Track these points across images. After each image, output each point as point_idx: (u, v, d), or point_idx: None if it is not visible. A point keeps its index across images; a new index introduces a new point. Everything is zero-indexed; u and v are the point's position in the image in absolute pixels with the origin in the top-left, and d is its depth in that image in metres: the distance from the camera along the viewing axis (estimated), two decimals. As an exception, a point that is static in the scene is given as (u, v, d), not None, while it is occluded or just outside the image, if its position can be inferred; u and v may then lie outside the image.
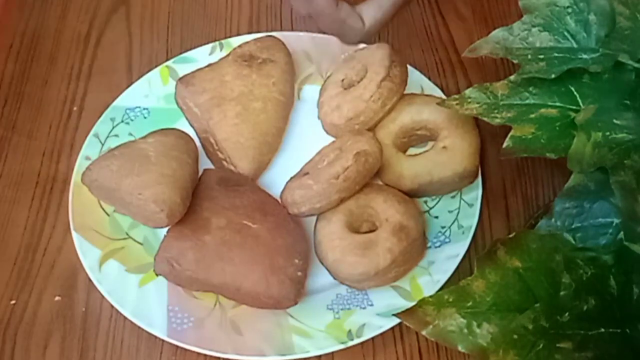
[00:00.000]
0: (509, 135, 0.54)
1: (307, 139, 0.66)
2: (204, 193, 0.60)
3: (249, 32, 0.73)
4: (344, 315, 0.57)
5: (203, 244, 0.56)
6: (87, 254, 0.59)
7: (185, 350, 0.56)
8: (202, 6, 0.79)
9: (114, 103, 0.68)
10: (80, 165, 0.64)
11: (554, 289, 0.46)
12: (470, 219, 0.61)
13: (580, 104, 0.55)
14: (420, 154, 0.63)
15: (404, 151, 0.64)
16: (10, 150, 0.68)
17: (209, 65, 0.68)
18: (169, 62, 0.71)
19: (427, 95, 0.66)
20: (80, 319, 0.59)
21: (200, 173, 0.62)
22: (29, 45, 0.76)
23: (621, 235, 0.48)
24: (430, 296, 0.47)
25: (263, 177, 0.65)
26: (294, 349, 0.55)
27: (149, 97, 0.69)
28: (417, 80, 0.68)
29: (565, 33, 0.58)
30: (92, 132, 0.66)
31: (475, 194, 0.62)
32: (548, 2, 0.58)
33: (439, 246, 0.60)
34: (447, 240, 0.60)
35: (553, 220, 0.52)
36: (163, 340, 0.57)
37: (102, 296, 0.58)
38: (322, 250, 0.58)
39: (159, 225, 0.57)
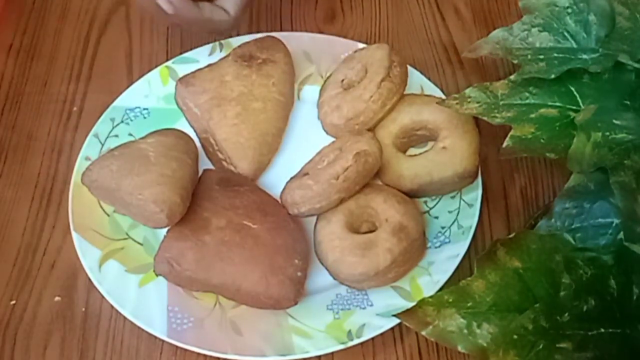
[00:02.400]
0: (509, 135, 0.54)
1: (307, 139, 0.66)
2: (204, 193, 0.60)
3: (249, 32, 0.73)
4: (344, 316, 0.57)
5: (203, 244, 0.56)
6: (87, 254, 0.59)
7: (185, 350, 0.56)
8: (202, 6, 0.79)
9: (114, 103, 0.68)
10: (80, 165, 0.64)
11: (554, 289, 0.46)
12: (470, 219, 0.61)
13: (580, 104, 0.55)
14: (420, 154, 0.63)
15: (404, 151, 0.64)
16: (10, 150, 0.68)
17: (209, 65, 0.68)
18: (168, 63, 0.71)
19: (427, 96, 0.66)
20: (80, 319, 0.59)
21: (200, 173, 0.62)
22: (29, 45, 0.76)
23: (621, 235, 0.48)
24: (430, 296, 0.47)
25: (263, 177, 0.65)
26: (293, 349, 0.55)
27: (149, 98, 0.69)
28: (417, 80, 0.68)
29: (565, 33, 0.58)
30: (92, 133, 0.66)
31: (475, 194, 0.62)
32: (548, 2, 0.58)
33: (439, 246, 0.60)
34: (447, 240, 0.60)
35: (553, 220, 0.52)
36: (163, 341, 0.57)
37: (102, 296, 0.58)
38: (322, 251, 0.58)
39: (158, 225, 0.57)
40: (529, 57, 0.57)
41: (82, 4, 0.79)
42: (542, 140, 0.53)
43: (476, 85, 0.57)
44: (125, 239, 0.61)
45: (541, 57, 0.57)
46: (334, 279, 0.59)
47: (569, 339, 0.45)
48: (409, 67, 0.65)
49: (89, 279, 0.59)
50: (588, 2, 0.58)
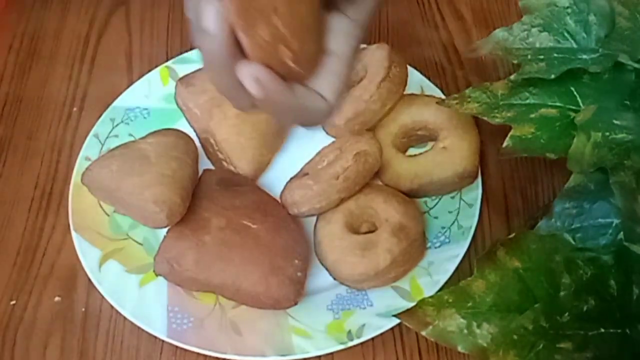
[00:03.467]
0: (509, 135, 0.54)
1: (307, 139, 0.66)
2: (204, 193, 0.60)
3: (249, 33, 0.73)
4: (344, 316, 0.57)
5: (203, 245, 0.56)
6: (87, 254, 0.59)
7: (185, 350, 0.56)
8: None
9: (114, 103, 0.68)
10: (80, 165, 0.64)
11: (554, 290, 0.46)
12: (470, 219, 0.61)
13: (580, 104, 0.55)
14: (420, 154, 0.63)
15: (404, 151, 0.64)
16: (10, 150, 0.68)
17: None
18: (169, 63, 0.71)
19: (427, 96, 0.66)
20: (80, 320, 0.59)
21: (200, 173, 0.62)
22: (29, 45, 0.76)
23: (621, 235, 0.48)
24: (430, 296, 0.47)
25: (263, 177, 0.65)
26: (293, 349, 0.55)
27: (149, 98, 0.69)
28: (417, 81, 0.68)
29: (565, 33, 0.58)
30: (92, 133, 0.66)
31: (475, 194, 0.62)
32: (548, 2, 0.58)
33: (439, 246, 0.60)
34: (447, 240, 0.60)
35: (553, 220, 0.52)
36: (163, 341, 0.57)
37: (102, 296, 0.58)
38: (322, 251, 0.59)
39: (159, 225, 0.57)
40: (529, 57, 0.57)
41: (82, 4, 0.79)
42: (542, 140, 0.53)
43: (476, 85, 0.57)
44: (125, 239, 0.61)
45: (541, 57, 0.57)
46: (334, 279, 0.59)
47: (569, 339, 0.45)
48: (409, 67, 0.65)
49: (89, 279, 0.59)
50: (588, 2, 0.58)
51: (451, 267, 0.58)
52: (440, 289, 0.57)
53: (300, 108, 0.42)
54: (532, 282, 0.47)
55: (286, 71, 0.39)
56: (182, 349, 0.56)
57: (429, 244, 0.60)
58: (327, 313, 0.57)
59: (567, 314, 0.45)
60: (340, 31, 0.42)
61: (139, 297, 0.58)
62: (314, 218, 0.61)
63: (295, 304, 0.56)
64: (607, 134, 0.50)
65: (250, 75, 0.38)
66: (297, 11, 0.37)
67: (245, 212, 0.58)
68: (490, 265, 0.47)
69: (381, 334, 0.56)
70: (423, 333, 0.46)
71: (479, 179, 0.63)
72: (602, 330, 0.46)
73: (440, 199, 0.63)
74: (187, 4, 0.39)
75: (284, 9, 0.37)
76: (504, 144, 0.53)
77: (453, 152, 0.61)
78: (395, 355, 0.57)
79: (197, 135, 0.66)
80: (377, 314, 0.57)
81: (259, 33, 0.37)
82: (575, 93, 0.56)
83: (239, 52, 0.38)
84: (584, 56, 0.56)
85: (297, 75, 0.40)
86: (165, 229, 0.58)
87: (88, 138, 0.66)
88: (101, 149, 0.65)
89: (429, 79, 0.69)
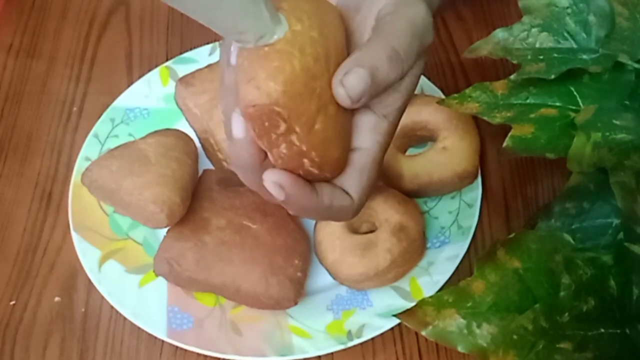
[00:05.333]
0: (508, 135, 0.54)
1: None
2: (204, 193, 0.60)
3: (249, 33, 0.73)
4: (344, 316, 0.57)
5: (203, 245, 0.56)
6: (87, 254, 0.59)
7: (185, 350, 0.56)
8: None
9: (114, 103, 0.68)
10: (80, 165, 0.64)
11: (554, 290, 0.46)
12: (470, 219, 0.61)
13: (580, 104, 0.55)
14: (420, 154, 0.63)
15: (404, 151, 0.64)
16: (10, 150, 0.68)
17: (209, 65, 0.68)
18: (168, 63, 0.71)
19: (427, 96, 0.66)
20: (80, 320, 0.59)
21: (200, 173, 0.62)
22: (29, 45, 0.76)
23: (621, 235, 0.48)
24: (430, 297, 0.47)
25: (263, 178, 0.65)
26: (293, 349, 0.55)
27: (149, 98, 0.69)
28: (417, 81, 0.68)
29: (565, 33, 0.58)
30: (92, 133, 0.66)
31: (474, 194, 0.62)
32: (548, 2, 0.58)
33: (439, 247, 0.60)
34: (446, 240, 0.60)
35: (553, 220, 0.52)
36: (163, 341, 0.57)
37: (102, 297, 0.58)
38: (322, 251, 0.59)
39: (158, 225, 0.57)
40: (529, 57, 0.57)
41: (82, 4, 0.79)
42: (542, 140, 0.53)
43: (476, 85, 0.57)
44: (125, 239, 0.61)
45: (541, 57, 0.57)
46: (334, 279, 0.59)
47: (568, 339, 0.45)
48: (408, 67, 0.65)
49: (89, 279, 0.59)
50: (588, 3, 0.57)
51: (451, 267, 0.58)
52: (440, 289, 0.57)
53: (325, 208, 0.42)
54: (532, 282, 0.47)
55: (312, 176, 0.40)
56: (182, 349, 0.56)
57: (428, 244, 0.60)
58: (327, 313, 0.57)
59: (567, 314, 0.45)
60: (366, 127, 0.42)
61: (138, 297, 0.58)
62: (314, 218, 0.61)
63: (295, 304, 0.56)
64: (607, 134, 0.50)
65: (273, 181, 0.40)
66: (315, 130, 0.38)
67: (245, 212, 0.58)
68: (490, 265, 0.47)
69: (381, 334, 0.56)
70: (423, 333, 0.46)
71: (479, 179, 0.63)
72: (602, 330, 0.46)
73: (440, 199, 0.63)
74: (221, 107, 0.41)
75: (302, 129, 0.38)
76: (504, 144, 0.53)
77: (453, 152, 0.61)
78: (395, 355, 0.57)
79: (197, 135, 0.66)
80: (377, 314, 0.57)
81: (279, 149, 0.38)
82: (575, 93, 0.56)
83: (265, 156, 0.40)
84: (584, 56, 0.56)
85: (323, 178, 0.41)
86: (165, 229, 0.58)
87: (88, 138, 0.66)
88: (101, 149, 0.65)
89: (429, 79, 0.69)
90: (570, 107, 0.55)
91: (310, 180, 0.41)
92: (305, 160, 0.39)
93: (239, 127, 0.39)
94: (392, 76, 0.40)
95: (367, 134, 0.42)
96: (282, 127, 0.37)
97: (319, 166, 0.40)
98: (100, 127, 0.67)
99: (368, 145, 0.42)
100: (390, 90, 0.41)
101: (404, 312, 0.47)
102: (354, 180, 0.42)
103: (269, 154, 0.39)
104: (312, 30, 0.37)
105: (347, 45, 0.41)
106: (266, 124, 0.37)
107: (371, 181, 0.43)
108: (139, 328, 0.57)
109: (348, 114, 0.41)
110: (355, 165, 0.42)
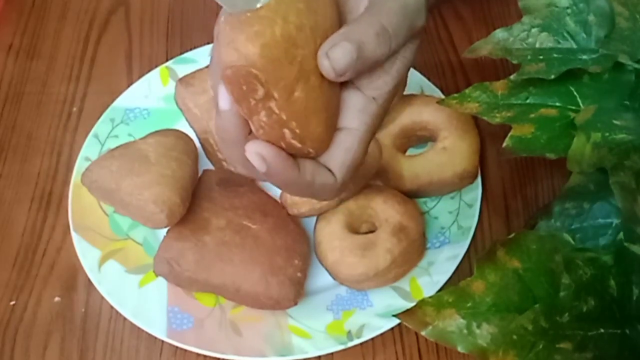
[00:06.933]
0: (508, 135, 0.54)
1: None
2: (204, 194, 0.60)
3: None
4: (344, 316, 0.57)
5: (203, 245, 0.56)
6: (87, 254, 0.59)
7: (185, 350, 0.56)
8: (202, 6, 0.79)
9: (114, 104, 0.68)
10: (80, 165, 0.64)
11: (554, 290, 0.46)
12: (470, 219, 0.61)
13: (580, 104, 0.55)
14: (420, 154, 0.63)
15: (404, 152, 0.64)
16: (10, 150, 0.68)
17: (209, 65, 0.68)
18: (168, 63, 0.71)
19: (426, 96, 0.66)
20: (79, 320, 0.59)
21: (200, 173, 0.62)
22: (29, 45, 0.76)
23: (621, 235, 0.48)
24: (430, 297, 0.47)
25: (263, 178, 0.65)
26: (293, 349, 0.55)
27: (149, 98, 0.69)
28: (417, 81, 0.68)
29: (565, 34, 0.58)
30: (91, 133, 0.66)
31: (474, 194, 0.62)
32: (548, 2, 0.58)
33: (439, 247, 0.60)
34: (446, 240, 0.60)
35: (553, 220, 0.52)
36: (163, 341, 0.57)
37: (102, 297, 0.58)
38: (322, 251, 0.59)
39: (158, 225, 0.57)
40: (529, 57, 0.57)
41: (82, 4, 0.79)
42: (541, 140, 0.53)
43: (476, 85, 0.57)
44: (125, 239, 0.61)
45: (541, 57, 0.57)
46: (334, 279, 0.59)
47: (568, 339, 0.45)
48: (408, 68, 0.65)
49: (89, 279, 0.59)
50: (588, 3, 0.57)
51: (451, 268, 0.58)
52: (440, 289, 0.57)
53: (307, 184, 0.41)
54: (532, 282, 0.47)
55: (294, 150, 0.40)
56: (181, 349, 0.56)
57: (428, 244, 0.60)
58: (327, 313, 0.57)
59: (567, 314, 0.45)
60: (354, 108, 0.41)
61: (138, 298, 0.58)
62: (314, 218, 0.61)
63: (295, 304, 0.56)
64: (607, 134, 0.50)
65: (255, 151, 0.40)
66: (295, 98, 0.38)
67: (245, 212, 0.58)
68: (490, 265, 0.47)
69: (381, 334, 0.56)
70: (423, 333, 0.46)
71: (479, 179, 0.63)
72: (602, 330, 0.46)
73: (440, 199, 0.63)
74: (210, 82, 0.41)
75: (280, 95, 0.38)
76: (504, 144, 0.53)
77: (453, 152, 0.61)
78: (395, 355, 0.57)
79: (197, 135, 0.66)
80: (377, 314, 0.57)
81: (259, 117, 0.38)
82: (575, 93, 0.56)
83: (250, 131, 0.40)
84: (584, 56, 0.56)
85: (306, 153, 0.41)
86: (165, 229, 0.58)
87: (88, 138, 0.66)
88: (101, 149, 0.65)
89: (429, 79, 0.69)
90: (570, 107, 0.55)
91: (293, 155, 0.41)
92: (286, 131, 0.39)
93: (224, 99, 0.39)
94: (378, 52, 0.40)
95: (355, 114, 0.41)
96: (260, 91, 0.37)
97: (300, 139, 0.40)
98: (100, 127, 0.67)
99: (355, 125, 0.41)
100: (380, 72, 0.41)
101: (404, 312, 0.47)
102: (338, 159, 0.42)
103: (250, 123, 0.39)
104: (300, 2, 0.38)
105: (341, 25, 0.41)
106: (244, 87, 0.37)
107: (356, 162, 0.42)
108: (139, 328, 0.57)
109: (334, 91, 0.41)
110: (341, 145, 0.42)
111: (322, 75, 0.39)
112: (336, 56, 0.38)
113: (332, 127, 0.41)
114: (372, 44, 0.39)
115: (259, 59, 0.36)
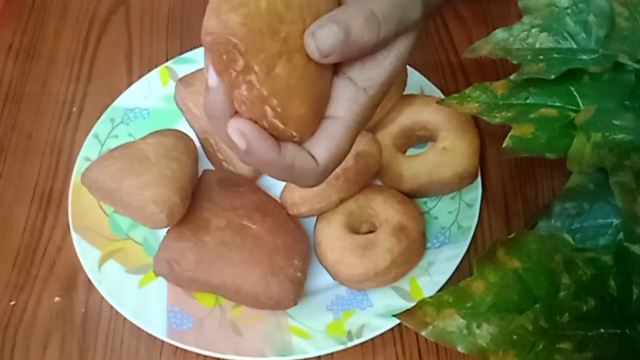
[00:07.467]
0: (508, 135, 0.54)
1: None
2: (204, 194, 0.60)
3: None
4: (344, 316, 0.57)
5: (203, 245, 0.56)
6: (87, 254, 0.59)
7: (185, 350, 0.56)
8: (202, 7, 0.78)
9: (114, 104, 0.68)
10: (80, 165, 0.64)
11: (554, 290, 0.46)
12: (470, 219, 0.61)
13: (580, 104, 0.55)
14: (420, 154, 0.63)
15: (404, 152, 0.64)
16: (10, 150, 0.68)
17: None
18: (168, 63, 0.71)
19: (426, 96, 0.66)
20: (79, 320, 0.59)
21: (200, 173, 0.62)
22: (29, 45, 0.76)
23: (621, 236, 0.48)
24: (430, 297, 0.47)
25: (263, 178, 0.65)
26: (293, 349, 0.55)
27: (149, 98, 0.69)
28: (417, 81, 0.68)
29: (565, 34, 0.58)
30: (91, 133, 0.66)
31: (474, 194, 0.62)
32: (548, 3, 0.58)
33: (439, 247, 0.60)
34: (446, 240, 0.60)
35: (552, 220, 0.52)
36: (163, 341, 0.57)
37: (102, 297, 0.58)
38: (322, 251, 0.59)
39: (158, 225, 0.57)
40: (529, 57, 0.57)
41: (82, 4, 0.79)
42: (541, 140, 0.53)
43: (476, 85, 0.57)
44: (125, 239, 0.61)
45: (541, 57, 0.57)
46: (334, 279, 0.59)
47: (568, 339, 0.45)
48: (408, 68, 0.65)
49: (89, 279, 0.59)
50: (588, 3, 0.57)
51: (451, 268, 0.58)
52: (440, 289, 0.57)
53: (287, 166, 0.41)
54: (532, 282, 0.47)
55: (277, 131, 0.40)
56: (181, 349, 0.56)
57: (428, 244, 0.60)
58: (327, 313, 0.57)
59: (567, 314, 0.45)
60: (344, 97, 0.41)
61: (138, 298, 0.58)
62: (314, 218, 0.61)
63: (295, 304, 0.56)
64: (607, 134, 0.50)
65: (236, 127, 0.40)
66: (275, 74, 0.38)
67: (245, 212, 0.58)
68: (490, 265, 0.47)
69: (381, 334, 0.56)
70: (423, 333, 0.46)
71: (479, 179, 0.63)
72: (602, 330, 0.46)
73: (440, 199, 0.63)
74: (205, 61, 0.41)
75: (260, 69, 0.38)
76: (504, 144, 0.53)
77: (453, 152, 0.61)
78: (395, 355, 0.57)
79: (197, 135, 0.66)
80: (376, 314, 0.57)
81: (240, 91, 0.39)
82: (575, 93, 0.56)
83: (236, 111, 0.40)
84: (584, 56, 0.56)
85: (289, 136, 0.41)
86: (165, 229, 0.58)
87: (88, 138, 0.66)
88: (101, 149, 0.65)
89: (429, 79, 0.69)
90: (570, 107, 0.55)
91: (276, 137, 0.41)
92: (267, 109, 0.39)
93: (213, 76, 0.40)
94: (366, 38, 0.40)
95: (344, 103, 0.41)
96: (240, 62, 0.37)
97: (282, 118, 0.39)
98: (100, 127, 0.67)
99: (343, 114, 0.41)
100: (373, 64, 0.41)
101: (404, 312, 0.47)
102: (322, 145, 0.42)
103: (233, 98, 0.39)
104: None
105: None
106: (224, 56, 0.37)
107: (341, 151, 0.42)
108: (139, 328, 0.57)
109: (322, 76, 0.41)
110: (326, 131, 0.42)
111: (308, 57, 0.39)
112: (322, 36, 0.39)
113: (319, 114, 0.41)
114: (359, 28, 0.39)
115: (239, 28, 0.36)
